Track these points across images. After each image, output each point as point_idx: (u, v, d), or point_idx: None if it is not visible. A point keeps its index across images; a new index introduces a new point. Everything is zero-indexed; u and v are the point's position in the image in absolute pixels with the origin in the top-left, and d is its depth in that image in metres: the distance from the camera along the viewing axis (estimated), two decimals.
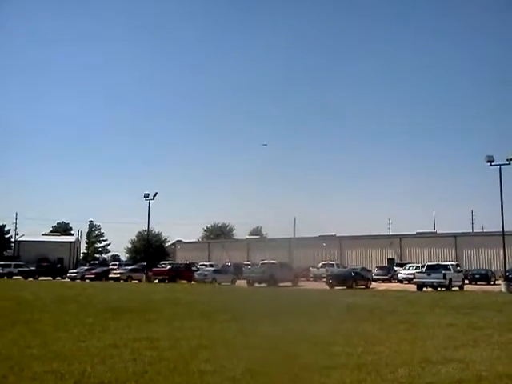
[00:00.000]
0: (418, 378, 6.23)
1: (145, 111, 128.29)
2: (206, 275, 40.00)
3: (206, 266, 50.53)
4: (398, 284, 39.43)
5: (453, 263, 35.59)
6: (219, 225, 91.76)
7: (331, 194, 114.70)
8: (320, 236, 64.14)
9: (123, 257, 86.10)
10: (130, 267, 49.32)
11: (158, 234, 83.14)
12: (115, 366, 6.84)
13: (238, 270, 43.17)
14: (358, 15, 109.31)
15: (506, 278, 31.60)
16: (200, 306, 17.15)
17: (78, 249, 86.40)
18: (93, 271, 46.33)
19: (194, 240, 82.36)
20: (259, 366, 6.85)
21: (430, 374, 6.46)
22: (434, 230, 63.78)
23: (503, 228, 31.97)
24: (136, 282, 42.14)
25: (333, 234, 64.04)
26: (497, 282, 37.83)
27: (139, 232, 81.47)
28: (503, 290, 29.03)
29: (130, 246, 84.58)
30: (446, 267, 31.67)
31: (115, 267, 51.98)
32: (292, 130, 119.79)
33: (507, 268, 36.40)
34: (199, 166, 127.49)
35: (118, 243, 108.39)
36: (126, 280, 42.86)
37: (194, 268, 46.08)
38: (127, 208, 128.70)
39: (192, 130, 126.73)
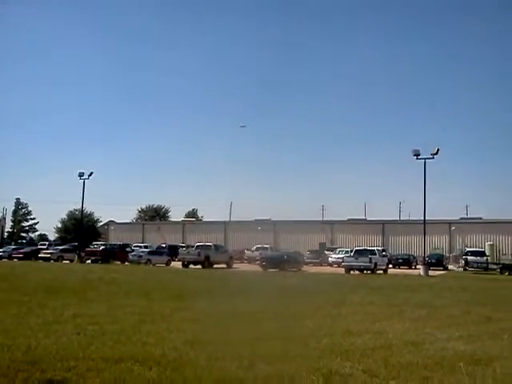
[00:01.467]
0: (338, 346, 7.08)
1: (80, 88, 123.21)
2: (140, 256, 39.97)
3: (140, 247, 50.25)
4: (328, 267, 41.28)
5: (379, 248, 37.79)
6: (154, 206, 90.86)
7: (268, 180, 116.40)
8: (255, 220, 65.41)
9: (51, 236, 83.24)
10: (60, 247, 48.15)
11: (90, 214, 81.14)
12: (60, 340, 7.16)
13: (173, 252, 43.42)
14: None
15: (424, 263, 34.11)
16: (137, 285, 17.47)
17: (3, 227, 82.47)
18: (21, 250, 44.92)
19: (127, 221, 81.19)
20: (198, 337, 7.45)
21: (348, 343, 7.34)
22: (364, 217, 66.80)
23: (424, 216, 34.41)
24: (67, 262, 41.35)
25: (268, 218, 65.48)
26: (417, 266, 40.54)
27: (70, 211, 79.21)
28: (422, 273, 31.42)
29: (59, 225, 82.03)
30: (372, 252, 33.63)
31: (44, 247, 50.52)
32: (232, 113, 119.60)
33: (427, 254, 39.19)
34: (136, 147, 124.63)
35: (47, 222, 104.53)
36: (56, 260, 41.93)
37: (128, 249, 45.73)
38: (57, 186, 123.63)
39: (128, 110, 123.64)
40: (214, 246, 39.24)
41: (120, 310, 10.38)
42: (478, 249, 45.19)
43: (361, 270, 31.66)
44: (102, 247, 45.75)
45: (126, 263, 39.20)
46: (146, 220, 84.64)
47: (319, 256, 46.94)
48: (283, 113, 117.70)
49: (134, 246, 50.52)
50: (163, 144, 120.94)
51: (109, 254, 41.96)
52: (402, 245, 56.37)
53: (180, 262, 37.16)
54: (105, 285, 17.15)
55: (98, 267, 32.82)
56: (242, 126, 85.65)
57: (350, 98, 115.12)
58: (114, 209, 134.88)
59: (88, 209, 78.20)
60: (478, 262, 38.42)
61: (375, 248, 36.68)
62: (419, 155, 34.06)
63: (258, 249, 48.51)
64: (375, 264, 32.01)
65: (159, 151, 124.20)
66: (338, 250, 47.51)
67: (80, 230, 52.08)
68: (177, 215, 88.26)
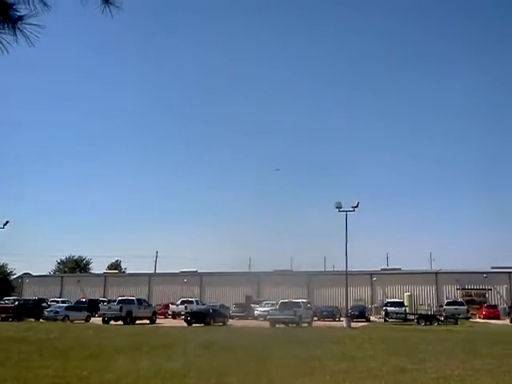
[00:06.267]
0: None
1: None
2: (57, 312, 37.67)
3: (57, 302, 47.44)
4: (254, 321, 40.98)
5: (304, 301, 38.16)
6: (74, 258, 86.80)
7: (193, 230, 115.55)
8: (181, 272, 64.24)
9: None
10: None
11: (3, 266, 76.00)
12: None
13: (93, 307, 41.38)
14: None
15: (347, 315, 34.87)
16: (52, 344, 16.43)
17: None
18: None
19: (44, 273, 76.66)
20: None
21: None
22: (290, 269, 67.51)
23: (346, 268, 35.40)
24: None
25: (194, 270, 64.57)
26: (341, 319, 41.27)
27: None
28: (344, 325, 32.03)
29: None
30: (297, 304, 33.93)
31: None
32: (158, 157, 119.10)
33: (350, 305, 40.14)
34: (53, 194, 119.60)
35: None
36: None
37: (44, 304, 42.96)
38: None
39: (50, 160, 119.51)
40: (137, 300, 37.90)
41: (31, 373, 9.75)
42: (396, 300, 46.92)
43: (286, 322, 31.73)
44: (15, 303, 42.64)
45: (41, 320, 36.73)
46: (65, 272, 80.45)
47: (245, 309, 46.59)
48: (209, 165, 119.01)
49: (51, 301, 47.66)
50: (82, 190, 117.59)
51: (22, 310, 39.05)
52: (326, 296, 57.30)
53: (100, 318, 35.46)
54: (15, 344, 15.98)
55: (8, 325, 30.43)
56: (276, 170, 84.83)
57: (277, 148, 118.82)
58: (29, 260, 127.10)
59: (0, 260, 73.42)
60: (397, 313, 39.73)
61: (300, 300, 37.01)
62: (341, 207, 35.53)
63: (183, 302, 47.42)
64: (300, 317, 32.25)
65: (78, 197, 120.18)
66: (264, 302, 47.47)
67: None
68: (99, 267, 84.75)
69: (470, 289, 53.22)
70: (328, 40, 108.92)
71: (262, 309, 43.35)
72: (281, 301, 36.37)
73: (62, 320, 35.88)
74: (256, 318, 42.83)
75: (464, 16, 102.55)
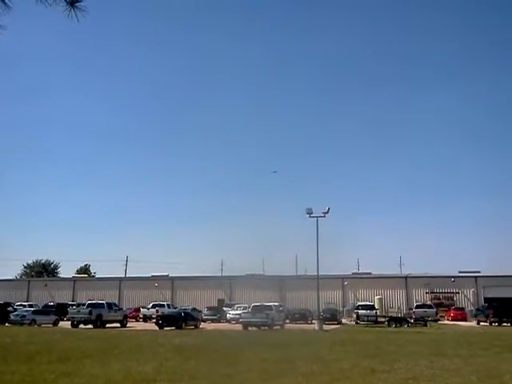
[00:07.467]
0: None
1: None
2: (24, 316, 36.68)
3: (24, 306, 46.29)
4: (227, 324, 40.84)
5: (276, 304, 38.21)
6: (42, 261, 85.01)
7: (164, 235, 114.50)
8: (152, 276, 63.58)
9: None
10: None
11: None
12: None
13: (62, 311, 40.53)
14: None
15: (319, 318, 35.09)
16: (17, 348, 15.97)
17: None
18: None
19: (9, 277, 74.72)
20: None
21: None
22: (262, 273, 67.56)
23: (318, 272, 35.67)
24: None
25: (165, 274, 63.98)
26: (313, 321, 41.45)
27: None
28: (316, 327, 32.23)
29: None
30: (268, 308, 33.98)
31: None
32: (131, 164, 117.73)
33: (321, 308, 40.35)
34: (19, 197, 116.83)
35: None
36: None
37: (10, 308, 41.81)
38: None
39: (12, 162, 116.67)
40: (107, 303, 37.29)
41: None
42: (367, 303, 47.49)
43: (258, 325, 31.72)
44: None
45: (7, 324, 35.70)
46: (32, 276, 78.61)
47: (217, 312, 46.39)
48: (181, 166, 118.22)
49: (17, 305, 46.48)
50: (49, 192, 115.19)
51: None
52: (298, 300, 57.42)
53: (69, 322, 34.72)
54: None
55: None
56: (273, 172, 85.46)
57: (250, 155, 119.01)
58: None
59: None
60: (368, 316, 40.18)
61: (272, 304, 37.03)
62: (312, 213, 35.77)
63: (154, 306, 46.91)
64: (272, 319, 32.29)
65: (46, 200, 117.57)
66: (236, 306, 47.36)
67: None
68: (67, 271, 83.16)
69: (439, 292, 54.34)
70: (312, 51, 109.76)
71: (235, 312, 43.26)
72: (253, 304, 36.32)
73: (29, 324, 34.99)
74: (228, 321, 42.68)
75: (459, 23, 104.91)
